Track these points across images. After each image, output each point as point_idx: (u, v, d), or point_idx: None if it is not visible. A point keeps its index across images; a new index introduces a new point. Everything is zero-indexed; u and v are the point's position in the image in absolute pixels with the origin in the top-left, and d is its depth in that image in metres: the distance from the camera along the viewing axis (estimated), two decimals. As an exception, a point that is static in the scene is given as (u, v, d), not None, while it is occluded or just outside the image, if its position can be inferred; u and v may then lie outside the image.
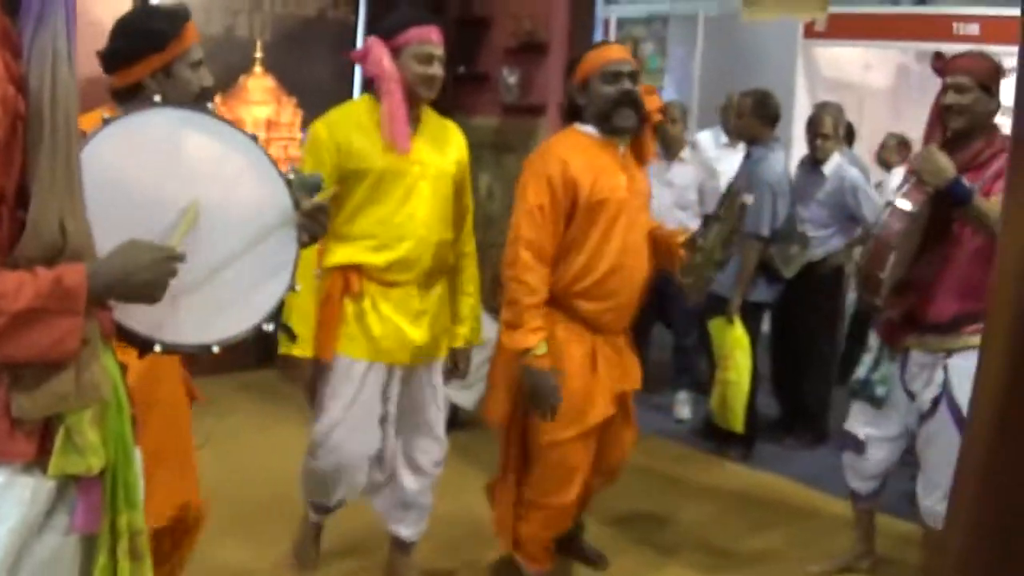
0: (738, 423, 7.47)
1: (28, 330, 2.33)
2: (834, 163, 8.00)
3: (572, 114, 5.07)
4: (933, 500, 5.20)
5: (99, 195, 2.57)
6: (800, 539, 6.36)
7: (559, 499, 5.05)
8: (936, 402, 5.12)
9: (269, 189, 3.07)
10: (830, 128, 8.08)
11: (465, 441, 7.10)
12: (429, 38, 4.73)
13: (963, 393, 4.96)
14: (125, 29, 3.78)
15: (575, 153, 4.88)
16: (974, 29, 11.69)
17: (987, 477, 2.45)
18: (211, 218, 2.86)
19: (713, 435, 8.09)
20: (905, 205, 4.95)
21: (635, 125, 4.96)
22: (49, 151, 2.36)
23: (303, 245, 3.14)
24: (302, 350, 4.73)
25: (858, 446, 5.55)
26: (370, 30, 9.23)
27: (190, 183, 2.84)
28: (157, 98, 2.94)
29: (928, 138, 5.17)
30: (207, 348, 2.88)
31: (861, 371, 5.50)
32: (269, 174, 3.08)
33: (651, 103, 4.98)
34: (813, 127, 8.18)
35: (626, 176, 4.95)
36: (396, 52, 4.71)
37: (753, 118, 7.80)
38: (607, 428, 5.11)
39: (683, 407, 8.86)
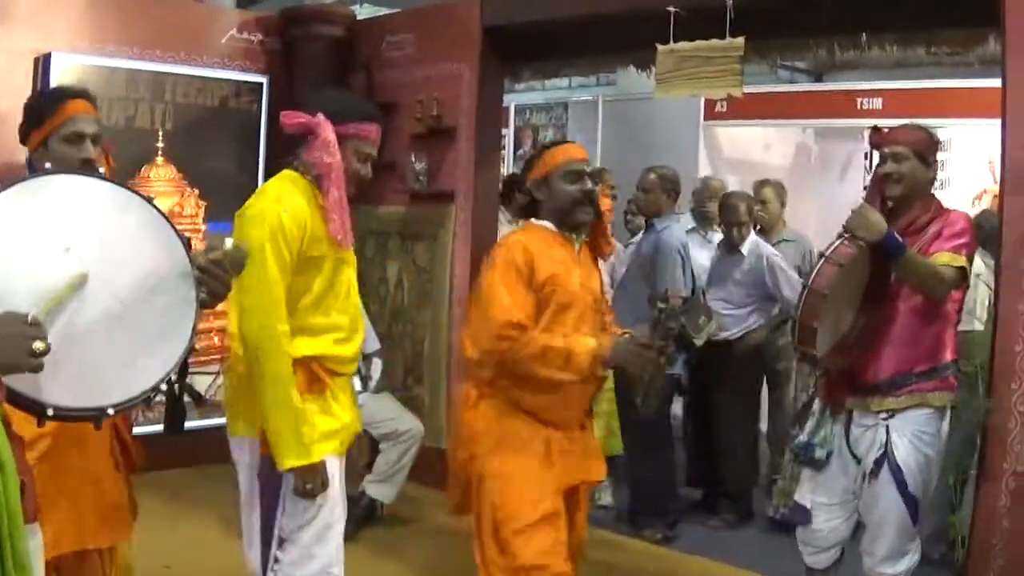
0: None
1: None
2: (750, 242, 8.18)
3: (529, 209, 5.05)
4: (875, 561, 5.20)
5: None
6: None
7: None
8: (879, 463, 5.12)
9: (164, 249, 3.03)
10: (745, 215, 8.30)
11: (387, 539, 6.96)
12: (375, 138, 4.58)
13: (904, 455, 5.06)
14: (24, 107, 4.13)
15: (536, 245, 4.83)
16: (878, 103, 11.85)
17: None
18: (103, 279, 2.81)
19: (634, 517, 8.07)
20: (837, 258, 4.98)
21: (591, 221, 4.97)
22: None
23: (203, 304, 3.10)
24: (307, 456, 4.31)
25: (805, 515, 5.48)
26: (273, 120, 9.17)
27: (80, 244, 2.79)
28: (48, 164, 3.06)
29: (868, 204, 5.23)
30: (102, 411, 2.83)
31: (803, 435, 5.48)
32: (164, 234, 3.05)
33: (605, 204, 4.99)
34: (727, 215, 8.36)
35: (580, 272, 4.89)
36: (338, 139, 4.43)
37: (660, 193, 8.06)
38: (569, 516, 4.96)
39: (604, 492, 8.73)
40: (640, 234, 8.69)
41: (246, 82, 9.46)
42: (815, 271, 5.01)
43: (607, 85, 14.64)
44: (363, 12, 11.70)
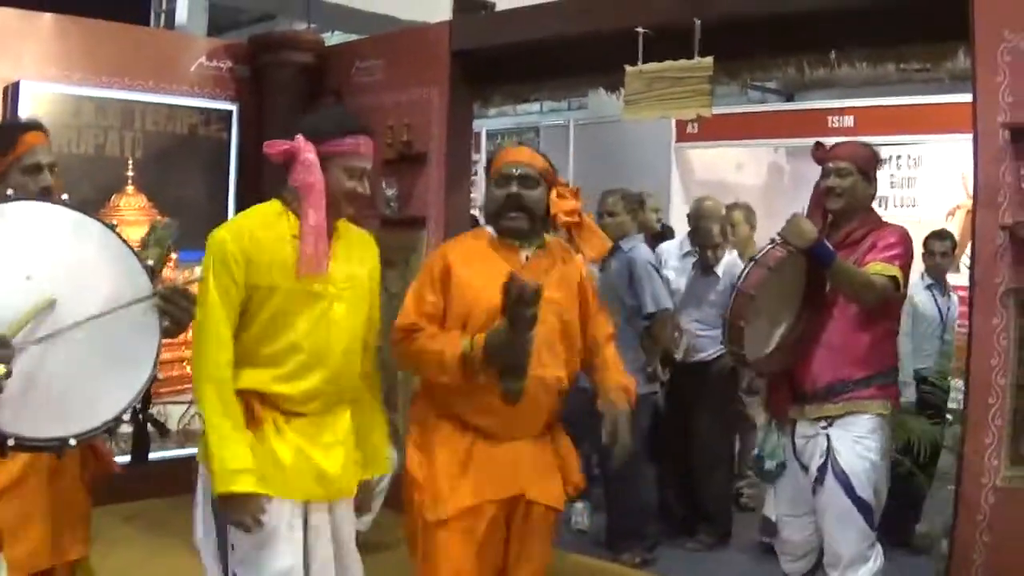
0: None
1: None
2: (726, 262, 8.24)
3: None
4: (837, 571, 5.25)
5: None
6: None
7: None
8: (822, 470, 5.22)
9: (126, 276, 3.04)
10: (718, 236, 8.40)
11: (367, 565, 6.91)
12: (365, 151, 4.36)
13: (847, 460, 5.17)
14: None
15: (463, 251, 4.80)
16: (849, 121, 11.91)
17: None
18: (65, 306, 2.80)
19: (612, 542, 8.03)
20: (765, 260, 5.20)
21: (525, 228, 4.77)
22: None
23: (167, 332, 3.11)
24: (244, 485, 4.05)
25: (773, 527, 5.71)
26: (243, 148, 9.15)
27: (42, 272, 2.78)
28: (9, 191, 3.03)
29: (810, 218, 5.40)
30: (64, 442, 2.81)
31: (756, 448, 5.67)
32: (127, 261, 3.03)
33: (559, 206, 4.79)
34: (702, 237, 8.39)
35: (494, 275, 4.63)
36: (322, 159, 4.24)
37: (625, 215, 8.15)
38: (507, 541, 4.82)
39: (581, 517, 8.71)
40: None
41: (216, 110, 9.42)
42: (744, 273, 5.21)
43: (578, 109, 14.67)
44: (333, 39, 11.68)
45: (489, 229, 4.86)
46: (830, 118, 12.12)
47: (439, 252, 4.86)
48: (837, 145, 5.61)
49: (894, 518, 6.72)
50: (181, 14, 15.34)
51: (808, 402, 5.33)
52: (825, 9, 6.44)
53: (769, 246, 5.27)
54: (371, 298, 4.61)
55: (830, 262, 5.13)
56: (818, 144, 5.65)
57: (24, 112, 8.04)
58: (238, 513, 4.09)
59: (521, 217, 4.75)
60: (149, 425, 3.32)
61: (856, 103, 12.07)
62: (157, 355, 2.97)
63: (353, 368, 4.48)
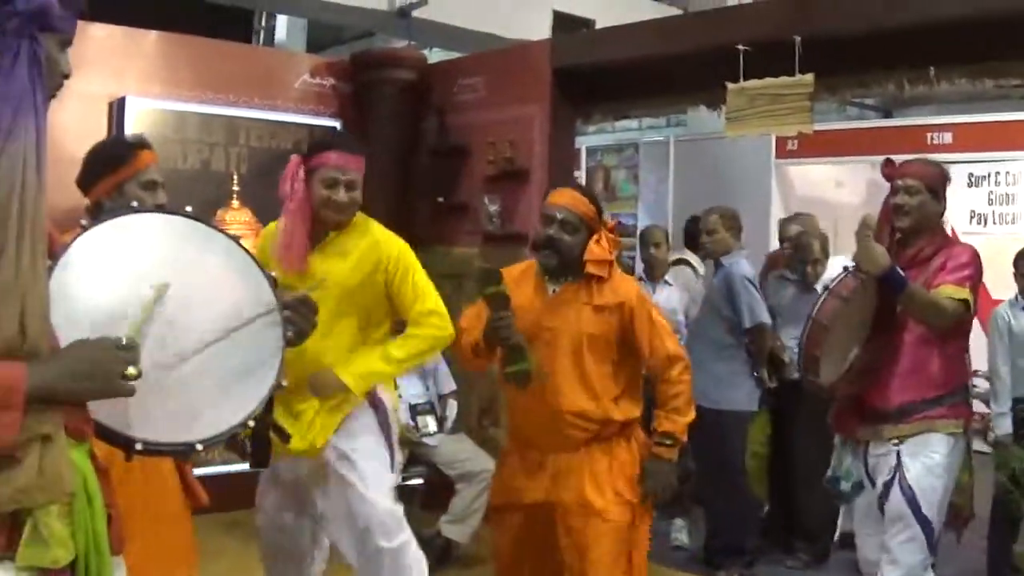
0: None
1: None
2: (826, 279, 8.04)
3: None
4: None
5: (73, 294, 2.66)
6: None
7: None
8: (888, 486, 5.18)
9: (249, 286, 3.08)
10: (819, 252, 8.32)
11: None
12: (337, 163, 4.95)
13: (915, 476, 5.11)
14: (89, 156, 4.45)
15: (515, 275, 5.19)
16: (948, 138, 11.82)
17: None
18: (189, 315, 2.87)
19: (710, 557, 8.01)
20: (840, 290, 5.18)
21: (553, 266, 5.08)
22: (14, 253, 2.43)
23: (289, 342, 3.15)
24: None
25: (849, 541, 5.67)
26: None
27: (167, 279, 2.85)
28: (135, 203, 3.15)
29: (878, 236, 5.30)
30: (190, 447, 2.86)
31: (830, 469, 5.55)
32: (250, 271, 3.10)
33: (592, 253, 5.06)
34: (802, 253, 8.35)
35: (548, 312, 5.10)
36: (310, 173, 4.95)
37: (725, 232, 8.09)
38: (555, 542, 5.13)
39: (680, 533, 8.68)
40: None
41: (320, 126, 9.53)
42: (820, 303, 5.20)
43: (677, 125, 14.67)
44: (433, 56, 11.78)
45: (535, 260, 5.23)
46: (929, 135, 12.04)
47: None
48: (906, 163, 5.54)
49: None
50: (281, 32, 15.57)
51: (880, 423, 5.27)
52: (924, 25, 6.44)
53: (843, 274, 5.25)
54: (381, 287, 5.11)
55: (902, 288, 5.09)
56: (887, 161, 5.59)
57: (130, 127, 8.25)
58: None
59: (552, 256, 5.06)
60: (271, 431, 3.40)
61: (954, 119, 11.99)
62: (281, 363, 3.03)
63: (339, 343, 5.00)
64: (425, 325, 5.12)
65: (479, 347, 5.02)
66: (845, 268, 5.27)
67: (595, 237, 5.07)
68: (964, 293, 5.13)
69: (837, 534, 8.21)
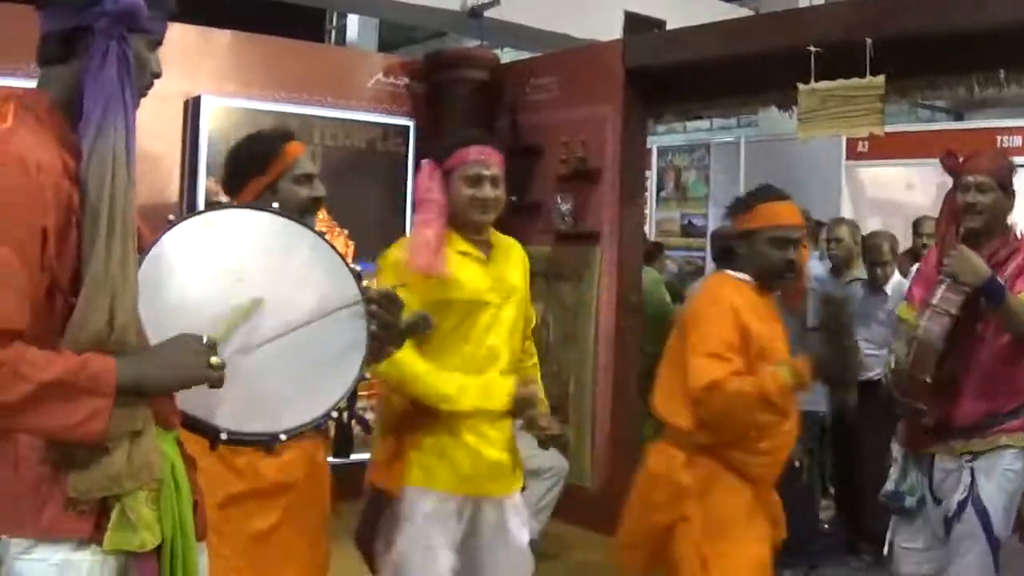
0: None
1: (54, 403, 2.41)
2: (895, 281, 8.12)
3: (724, 255, 4.97)
4: None
5: (162, 287, 2.75)
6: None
7: None
8: (962, 506, 4.94)
9: (335, 281, 3.15)
10: (888, 254, 8.32)
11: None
12: (478, 158, 4.52)
13: (990, 496, 4.89)
14: (232, 157, 4.18)
15: (740, 299, 4.69)
16: (1018, 141, 11.74)
17: None
18: (275, 308, 2.93)
19: (776, 558, 8.01)
20: (946, 306, 4.85)
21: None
22: (104, 247, 2.50)
23: (374, 336, 3.19)
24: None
25: (890, 555, 5.46)
26: (420, 163, 9.33)
27: (253, 273, 2.93)
28: (275, 204, 3.17)
29: (943, 238, 5.18)
30: (275, 437, 2.93)
31: (890, 483, 5.34)
32: (335, 266, 3.15)
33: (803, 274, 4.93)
34: (871, 255, 8.34)
35: (774, 325, 4.81)
36: (448, 175, 4.48)
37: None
38: None
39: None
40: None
41: (393, 125, 9.66)
42: (925, 321, 4.88)
43: (748, 126, 14.64)
44: (505, 56, 11.84)
45: (744, 277, 4.79)
46: (999, 137, 11.94)
47: (730, 303, 4.66)
48: (974, 156, 5.17)
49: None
50: (352, 31, 15.64)
51: (954, 437, 5.03)
52: (995, 28, 6.44)
53: (941, 287, 4.90)
54: (527, 300, 4.86)
55: (1002, 300, 4.80)
56: (949, 152, 5.26)
57: (205, 126, 8.40)
58: None
59: (791, 277, 4.80)
60: (354, 423, 3.43)
61: (1026, 123, 11.92)
62: (364, 357, 3.10)
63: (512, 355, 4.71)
64: (531, 347, 5.05)
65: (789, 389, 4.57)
66: (940, 280, 4.95)
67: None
68: None
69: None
